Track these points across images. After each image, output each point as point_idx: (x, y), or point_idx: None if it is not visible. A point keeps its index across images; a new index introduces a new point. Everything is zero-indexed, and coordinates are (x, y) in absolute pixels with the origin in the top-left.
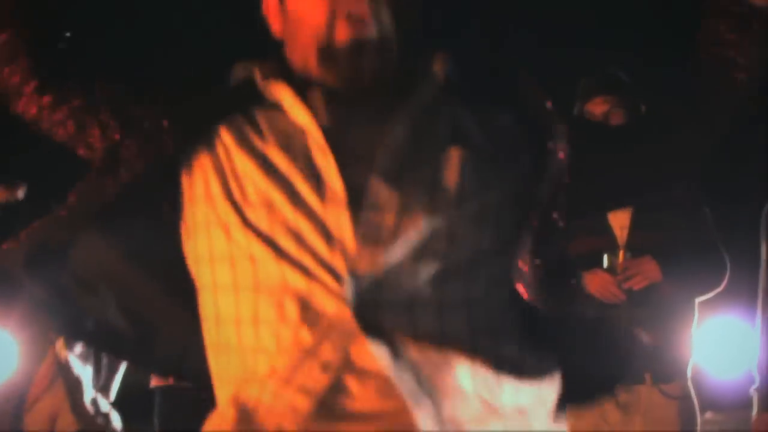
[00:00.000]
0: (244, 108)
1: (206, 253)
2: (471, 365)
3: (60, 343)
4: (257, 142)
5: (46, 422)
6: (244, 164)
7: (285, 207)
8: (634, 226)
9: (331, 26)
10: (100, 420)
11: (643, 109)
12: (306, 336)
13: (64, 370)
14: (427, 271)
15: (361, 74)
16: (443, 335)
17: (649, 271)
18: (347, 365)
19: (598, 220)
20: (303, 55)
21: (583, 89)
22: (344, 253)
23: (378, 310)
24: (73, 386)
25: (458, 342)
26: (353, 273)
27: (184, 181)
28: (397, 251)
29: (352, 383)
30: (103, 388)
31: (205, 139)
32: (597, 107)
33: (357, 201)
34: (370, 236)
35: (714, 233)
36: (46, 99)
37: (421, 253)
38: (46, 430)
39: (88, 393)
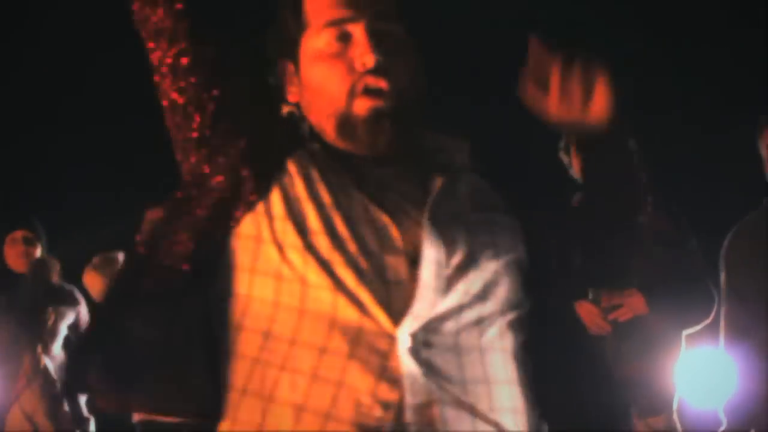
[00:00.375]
0: (304, 140)
1: (247, 264)
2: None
3: (39, 349)
4: (321, 175)
5: (24, 422)
6: (308, 190)
7: (348, 240)
8: None
9: (350, 99)
10: (76, 425)
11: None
12: (356, 370)
13: (41, 375)
14: (468, 317)
15: (379, 142)
16: (486, 378)
17: (634, 303)
18: (403, 401)
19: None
20: (319, 122)
21: None
22: (401, 295)
23: (430, 351)
24: (49, 391)
25: (498, 384)
26: (409, 315)
27: (242, 188)
28: (448, 299)
29: (408, 417)
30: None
31: (272, 158)
32: None
33: (409, 251)
34: (427, 284)
35: (702, 265)
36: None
37: (462, 301)
38: (26, 430)
39: (65, 398)
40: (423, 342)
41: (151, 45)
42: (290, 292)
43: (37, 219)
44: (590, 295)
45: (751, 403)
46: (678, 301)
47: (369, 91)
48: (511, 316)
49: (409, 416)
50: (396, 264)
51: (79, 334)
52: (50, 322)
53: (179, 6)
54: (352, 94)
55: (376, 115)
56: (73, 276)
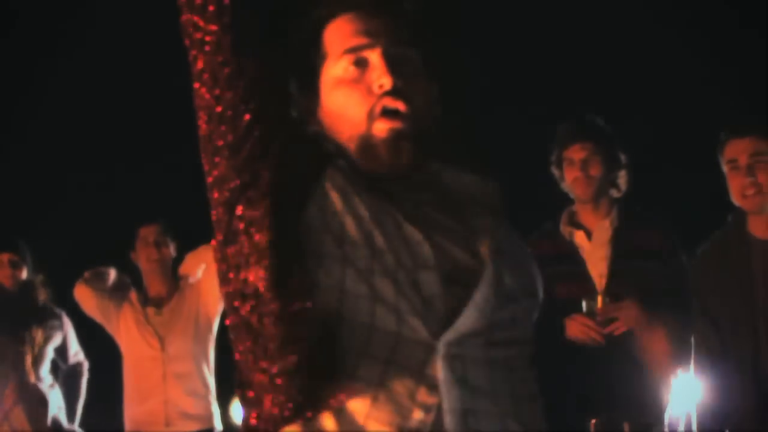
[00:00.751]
0: (332, 157)
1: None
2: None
3: (28, 366)
4: (355, 190)
5: None
6: (345, 204)
7: (385, 251)
8: (612, 274)
9: (369, 121)
10: None
11: (622, 158)
12: (395, 374)
13: (28, 392)
14: (498, 338)
15: (399, 162)
16: (513, 394)
17: (629, 316)
18: (441, 406)
19: (576, 266)
20: (341, 142)
21: (561, 136)
22: (435, 308)
23: (464, 362)
24: (37, 409)
25: (523, 401)
26: (452, 328)
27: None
28: (486, 319)
29: (447, 421)
30: (69, 412)
31: (302, 174)
32: (575, 154)
33: (444, 268)
34: (478, 304)
35: (690, 280)
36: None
37: (495, 324)
38: None
39: (52, 414)
40: (458, 353)
41: (194, 53)
42: (328, 301)
43: (24, 241)
44: (584, 308)
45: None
46: (668, 316)
47: (387, 113)
48: (530, 348)
49: (447, 421)
50: (429, 279)
51: (65, 358)
52: (37, 343)
53: (227, 19)
54: (371, 116)
55: (395, 136)
56: (62, 299)
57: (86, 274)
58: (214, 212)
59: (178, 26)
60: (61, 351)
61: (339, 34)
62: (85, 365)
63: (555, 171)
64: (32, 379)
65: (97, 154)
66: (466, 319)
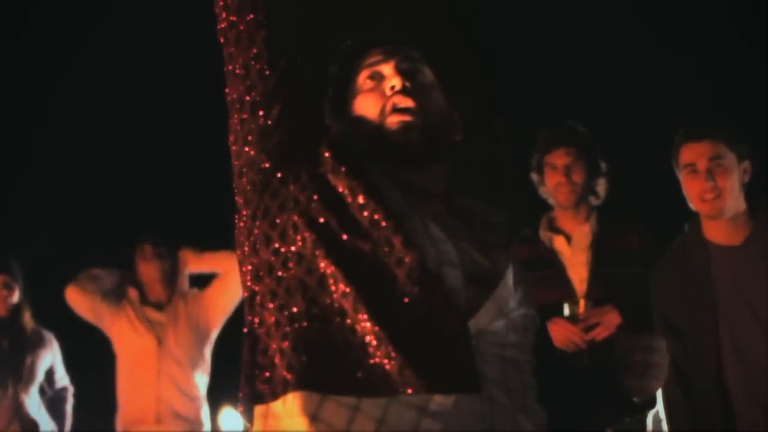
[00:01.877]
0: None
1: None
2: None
3: (21, 387)
4: (387, 184)
5: None
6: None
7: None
8: (593, 279)
9: (382, 118)
10: None
11: (602, 166)
12: None
13: (22, 412)
14: (510, 340)
15: (410, 153)
16: (524, 392)
17: (611, 321)
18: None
19: (556, 271)
20: (362, 138)
21: (543, 141)
22: (459, 302)
23: (482, 355)
24: (29, 428)
25: (532, 400)
26: (473, 319)
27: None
28: (500, 319)
29: (466, 405)
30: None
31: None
32: (558, 159)
33: (467, 267)
34: (497, 299)
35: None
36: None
37: (509, 327)
38: None
39: None
40: (475, 346)
41: (231, 50)
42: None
43: (15, 261)
44: (566, 312)
45: None
46: (647, 319)
47: (398, 110)
48: (534, 358)
49: (465, 404)
50: (453, 275)
51: (52, 381)
52: (29, 364)
53: (260, 17)
54: (383, 114)
55: (405, 128)
56: (54, 317)
57: (80, 276)
58: (240, 198)
59: (181, 42)
60: (49, 374)
61: (361, 60)
62: (71, 390)
63: (534, 176)
64: (25, 399)
65: (95, 165)
66: (487, 312)
